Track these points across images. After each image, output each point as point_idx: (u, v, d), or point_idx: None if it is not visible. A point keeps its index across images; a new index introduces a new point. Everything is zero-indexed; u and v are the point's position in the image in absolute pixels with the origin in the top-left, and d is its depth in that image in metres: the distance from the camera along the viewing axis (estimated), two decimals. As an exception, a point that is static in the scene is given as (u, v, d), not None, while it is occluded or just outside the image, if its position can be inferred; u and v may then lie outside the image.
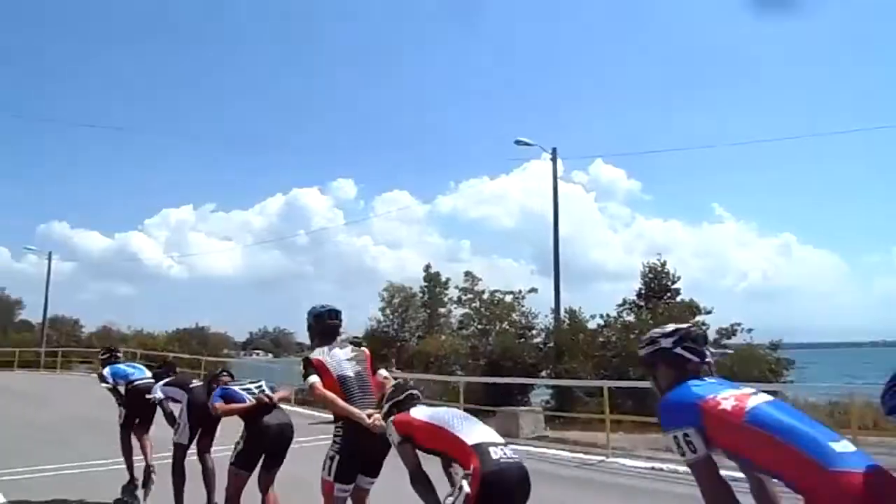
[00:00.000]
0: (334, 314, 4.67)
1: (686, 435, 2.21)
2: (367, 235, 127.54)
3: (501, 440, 3.33)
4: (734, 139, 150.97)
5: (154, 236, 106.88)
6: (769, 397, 2.28)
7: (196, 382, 6.65)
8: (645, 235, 71.88)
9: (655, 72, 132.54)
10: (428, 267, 26.60)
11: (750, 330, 19.81)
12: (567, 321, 21.36)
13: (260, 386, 5.42)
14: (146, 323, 76.83)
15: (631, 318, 21.06)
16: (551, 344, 21.23)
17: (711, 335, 18.34)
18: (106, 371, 7.61)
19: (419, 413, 3.62)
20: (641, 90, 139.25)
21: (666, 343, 2.55)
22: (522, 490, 3.14)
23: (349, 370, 4.32)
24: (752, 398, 2.22)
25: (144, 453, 7.20)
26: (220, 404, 5.32)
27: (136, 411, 7.33)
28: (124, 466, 7.37)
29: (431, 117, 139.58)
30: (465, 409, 5.71)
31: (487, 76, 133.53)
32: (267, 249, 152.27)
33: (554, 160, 22.32)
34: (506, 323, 23.47)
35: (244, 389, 5.34)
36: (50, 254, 41.70)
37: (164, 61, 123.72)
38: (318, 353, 4.31)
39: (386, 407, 3.80)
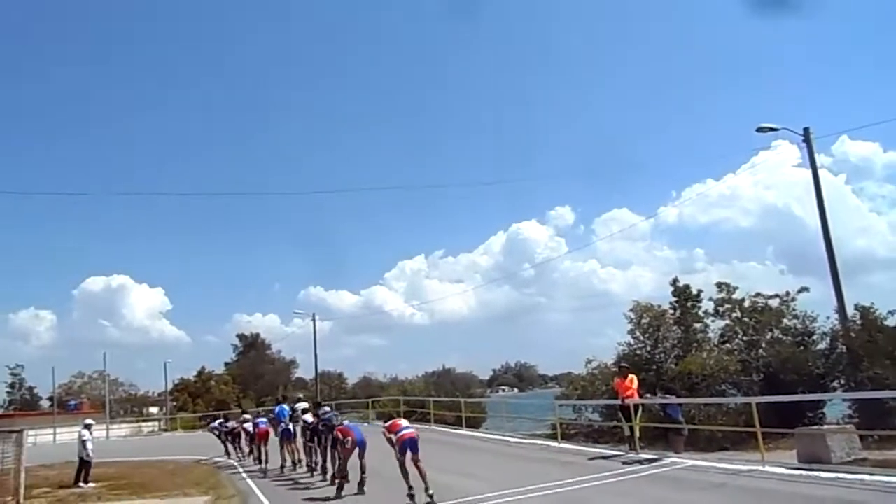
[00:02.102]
0: None
1: None
2: (592, 259, 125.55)
3: None
4: None
5: (394, 288, 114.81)
6: None
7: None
8: (923, 210, 61.18)
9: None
10: (675, 281, 24.62)
11: None
12: (858, 321, 18.29)
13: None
14: (399, 370, 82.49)
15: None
16: (842, 349, 18.30)
17: None
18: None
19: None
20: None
21: None
22: None
23: None
24: None
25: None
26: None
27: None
28: None
29: (636, 129, 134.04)
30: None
31: (688, 83, 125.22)
32: (497, 286, 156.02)
33: (807, 142, 19.75)
34: (777, 331, 20.86)
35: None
36: (314, 315, 45.75)
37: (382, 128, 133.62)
38: None
39: None
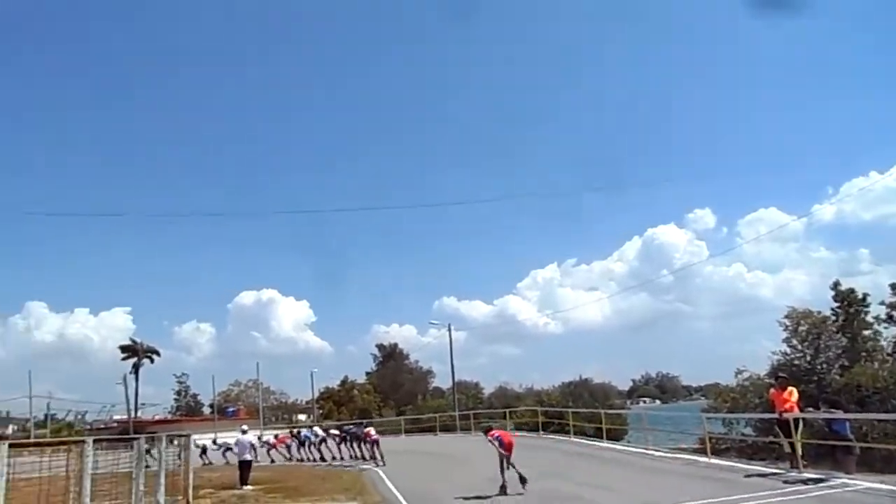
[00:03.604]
0: None
1: None
2: (738, 263, 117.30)
3: None
4: None
5: (527, 297, 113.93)
6: None
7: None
8: None
9: None
10: (837, 284, 22.51)
11: None
12: None
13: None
14: (534, 379, 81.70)
15: None
16: None
17: None
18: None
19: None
20: None
21: None
22: None
23: None
24: None
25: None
26: None
27: None
28: None
29: (783, 122, 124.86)
30: None
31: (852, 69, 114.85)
32: (633, 293, 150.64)
33: None
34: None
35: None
36: (449, 325, 46.16)
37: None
38: None
39: None
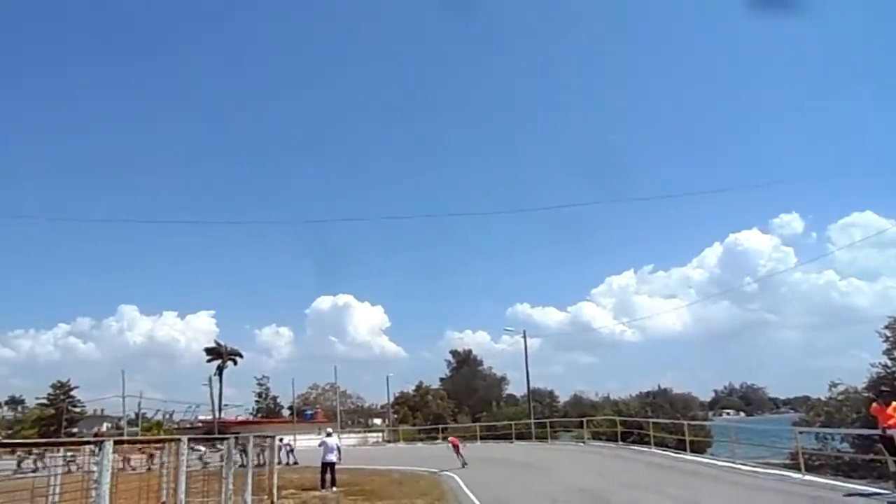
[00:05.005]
0: None
1: None
2: (829, 270, 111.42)
3: None
4: None
5: (602, 304, 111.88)
6: None
7: None
8: None
9: None
10: (943, 291, 21.04)
11: None
12: None
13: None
14: (610, 388, 79.92)
15: None
16: None
17: None
18: None
19: None
20: None
21: None
22: None
23: None
24: None
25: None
26: None
27: None
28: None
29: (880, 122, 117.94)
30: None
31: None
32: (715, 302, 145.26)
33: None
34: None
35: None
36: (524, 332, 45.58)
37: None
38: None
39: None
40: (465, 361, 76.05)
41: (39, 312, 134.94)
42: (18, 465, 21.73)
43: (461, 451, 23.06)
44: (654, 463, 19.92)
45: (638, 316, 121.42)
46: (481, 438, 38.51)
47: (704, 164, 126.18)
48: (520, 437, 36.18)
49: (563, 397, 62.21)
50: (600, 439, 30.81)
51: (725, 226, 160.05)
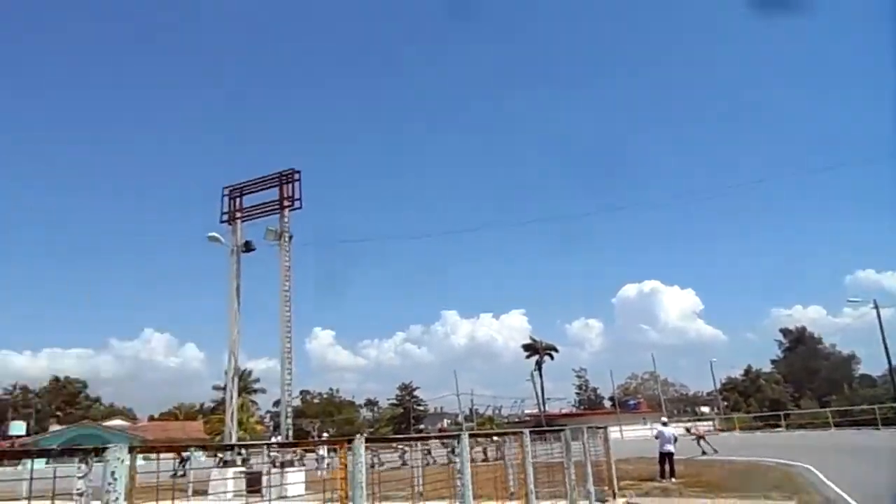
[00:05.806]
0: None
1: None
2: None
3: None
4: None
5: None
6: None
7: None
8: None
9: None
10: None
11: None
12: None
13: None
14: None
15: None
16: None
17: None
18: None
19: None
20: None
21: None
22: None
23: None
24: None
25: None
26: None
27: None
28: None
29: None
30: None
31: None
32: None
33: None
34: None
35: None
36: (875, 301, 39.19)
37: None
38: None
39: None
40: (799, 340, 68.25)
41: (381, 325, 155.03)
42: (401, 458, 24.61)
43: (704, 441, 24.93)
44: None
45: None
46: (835, 425, 33.90)
47: None
48: (886, 422, 31.00)
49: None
50: None
51: None
